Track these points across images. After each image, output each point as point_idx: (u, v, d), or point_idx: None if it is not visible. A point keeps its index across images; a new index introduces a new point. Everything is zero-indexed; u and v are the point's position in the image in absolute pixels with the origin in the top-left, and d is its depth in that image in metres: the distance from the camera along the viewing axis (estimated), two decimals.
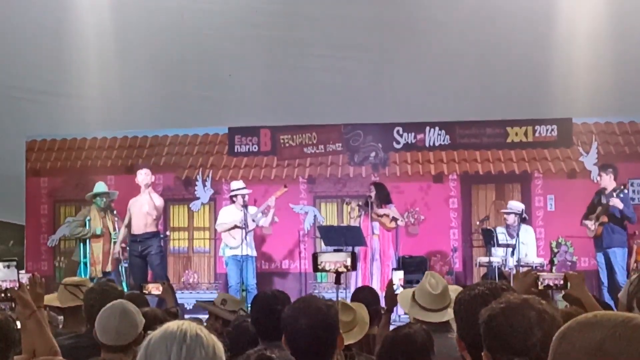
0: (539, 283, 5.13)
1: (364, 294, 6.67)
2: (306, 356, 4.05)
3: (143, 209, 13.25)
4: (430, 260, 14.63)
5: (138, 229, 13.26)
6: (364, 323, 6.13)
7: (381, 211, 13.48)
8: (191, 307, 14.00)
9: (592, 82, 13.83)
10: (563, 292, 5.74)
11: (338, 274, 5.42)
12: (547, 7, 13.77)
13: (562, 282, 5.16)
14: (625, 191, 13.21)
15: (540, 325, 2.95)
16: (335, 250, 11.39)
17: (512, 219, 13.26)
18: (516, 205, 13.49)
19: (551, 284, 5.18)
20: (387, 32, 14.45)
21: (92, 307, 5.50)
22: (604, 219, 12.89)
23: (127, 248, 13.70)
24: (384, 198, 13.59)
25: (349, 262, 5.26)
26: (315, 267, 5.35)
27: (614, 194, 12.84)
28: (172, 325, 2.58)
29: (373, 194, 13.52)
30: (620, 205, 12.77)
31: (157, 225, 13.54)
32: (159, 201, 13.61)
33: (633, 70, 13.71)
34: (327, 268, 5.39)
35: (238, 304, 7.38)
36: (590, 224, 12.97)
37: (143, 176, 13.42)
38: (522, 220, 13.27)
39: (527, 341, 2.95)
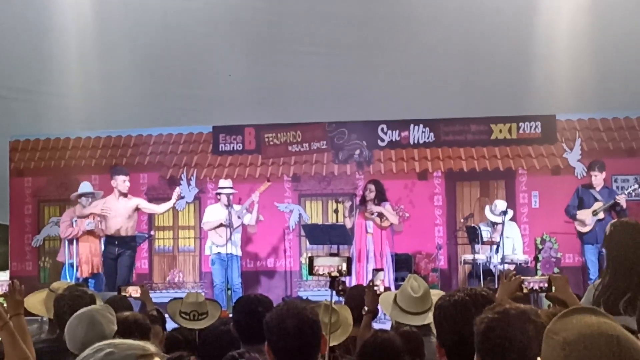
0: (524, 287, 5.12)
1: (358, 292, 6.67)
2: (293, 358, 4.04)
3: (123, 213, 13.04)
4: (415, 258, 14.64)
5: (116, 232, 13.06)
6: (347, 324, 6.13)
7: (376, 209, 13.41)
8: None
9: (575, 78, 13.83)
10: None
11: (332, 278, 5.41)
12: (529, 4, 13.77)
13: (546, 285, 5.15)
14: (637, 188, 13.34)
15: (538, 340, 2.90)
16: (330, 255, 11.38)
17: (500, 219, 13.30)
18: (501, 206, 13.47)
19: (536, 287, 5.17)
20: (371, 30, 14.43)
21: (64, 313, 5.45)
22: (603, 215, 12.90)
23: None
24: (381, 196, 13.55)
25: (344, 267, 5.24)
26: (311, 271, 5.34)
27: (625, 192, 12.92)
28: None
29: (372, 192, 13.46)
30: (625, 204, 12.83)
31: (134, 230, 13.42)
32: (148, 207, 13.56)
33: (615, 65, 13.73)
34: (320, 272, 5.37)
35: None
36: (587, 218, 12.94)
37: (125, 184, 13.18)
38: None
39: (524, 356, 2.89)
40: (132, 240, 13.27)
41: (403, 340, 4.97)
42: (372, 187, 13.56)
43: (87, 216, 13.29)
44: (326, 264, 5.28)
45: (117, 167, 13.77)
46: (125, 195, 13.17)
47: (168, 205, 13.34)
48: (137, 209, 13.26)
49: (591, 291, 5.58)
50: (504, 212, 13.22)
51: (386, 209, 13.48)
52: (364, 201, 13.53)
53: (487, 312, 2.99)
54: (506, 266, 12.67)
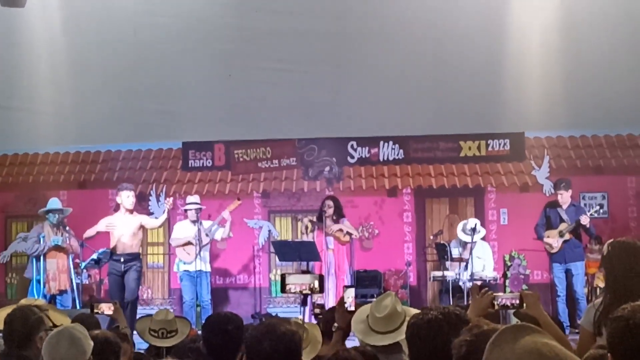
0: (496, 303, 5.13)
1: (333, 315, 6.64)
2: None
3: (129, 231, 12.95)
4: (384, 274, 14.65)
5: (122, 249, 12.93)
6: (317, 342, 6.11)
7: (335, 226, 13.47)
8: None
9: (544, 96, 13.90)
10: (515, 310, 5.77)
11: (304, 296, 5.42)
12: (499, 22, 13.83)
13: (518, 301, 5.17)
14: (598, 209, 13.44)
15: None
16: (302, 272, 11.41)
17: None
18: (472, 224, 13.51)
19: (508, 303, 5.18)
20: (341, 47, 14.44)
21: (10, 332, 5.48)
22: (569, 235, 12.95)
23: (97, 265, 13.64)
24: (339, 212, 13.60)
25: (316, 285, 5.25)
26: (283, 289, 5.34)
27: (588, 214, 12.96)
28: None
29: (331, 208, 13.50)
30: (589, 224, 12.88)
31: (140, 246, 13.34)
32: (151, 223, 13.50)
33: (584, 84, 13.81)
34: (292, 290, 5.37)
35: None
36: (554, 241, 12.96)
37: (129, 199, 13.06)
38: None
39: None
40: (138, 256, 13.16)
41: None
42: (330, 203, 13.61)
43: (93, 237, 13.20)
44: (298, 282, 5.29)
45: (123, 183, 13.60)
46: (131, 211, 13.09)
47: (164, 216, 13.32)
48: (141, 227, 13.19)
49: (591, 311, 5.56)
50: (473, 230, 13.25)
51: (345, 224, 13.55)
52: (322, 218, 13.54)
53: (465, 335, 2.97)
54: (474, 283, 12.71)
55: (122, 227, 12.95)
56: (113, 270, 12.96)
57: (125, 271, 12.88)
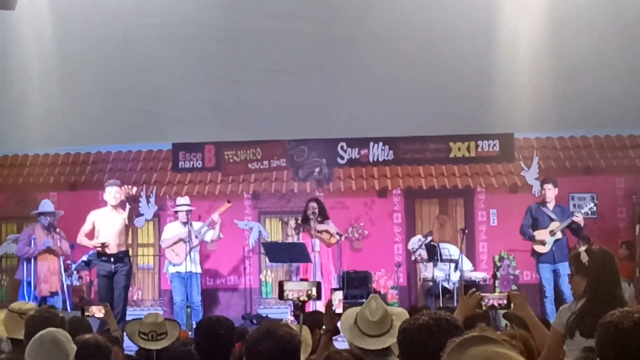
0: (483, 304, 5.17)
1: (317, 318, 6.65)
2: None
3: (115, 228, 12.46)
4: (374, 275, 14.67)
5: (110, 248, 12.41)
6: (307, 344, 6.13)
7: (320, 227, 13.44)
8: None
9: (533, 97, 13.94)
10: (504, 311, 5.80)
11: (302, 303, 5.44)
12: (488, 24, 13.86)
13: (505, 302, 5.21)
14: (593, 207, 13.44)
15: None
16: (301, 280, 11.42)
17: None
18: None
19: (495, 304, 5.23)
20: (331, 48, 14.45)
21: (32, 335, 5.43)
22: (561, 234, 12.90)
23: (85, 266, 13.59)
24: (323, 214, 13.56)
25: (313, 292, 5.29)
26: (281, 295, 5.37)
27: (582, 212, 12.93)
28: None
29: (316, 210, 13.47)
30: (582, 222, 12.83)
31: (127, 245, 12.86)
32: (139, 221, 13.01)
33: (573, 86, 13.86)
34: (290, 297, 5.40)
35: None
36: (547, 239, 12.89)
37: (112, 195, 12.52)
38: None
39: None
40: (126, 256, 12.63)
41: None
42: (314, 205, 13.56)
43: (84, 246, 12.95)
44: (296, 289, 5.32)
45: (110, 180, 13.11)
46: (116, 207, 12.55)
47: (128, 206, 12.49)
48: (126, 225, 12.61)
49: (564, 313, 5.58)
50: (425, 237, 13.45)
51: (330, 226, 13.52)
52: (306, 220, 13.50)
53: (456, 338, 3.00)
54: (462, 283, 12.76)
55: (107, 223, 12.49)
56: (102, 271, 12.52)
57: (115, 272, 12.47)
